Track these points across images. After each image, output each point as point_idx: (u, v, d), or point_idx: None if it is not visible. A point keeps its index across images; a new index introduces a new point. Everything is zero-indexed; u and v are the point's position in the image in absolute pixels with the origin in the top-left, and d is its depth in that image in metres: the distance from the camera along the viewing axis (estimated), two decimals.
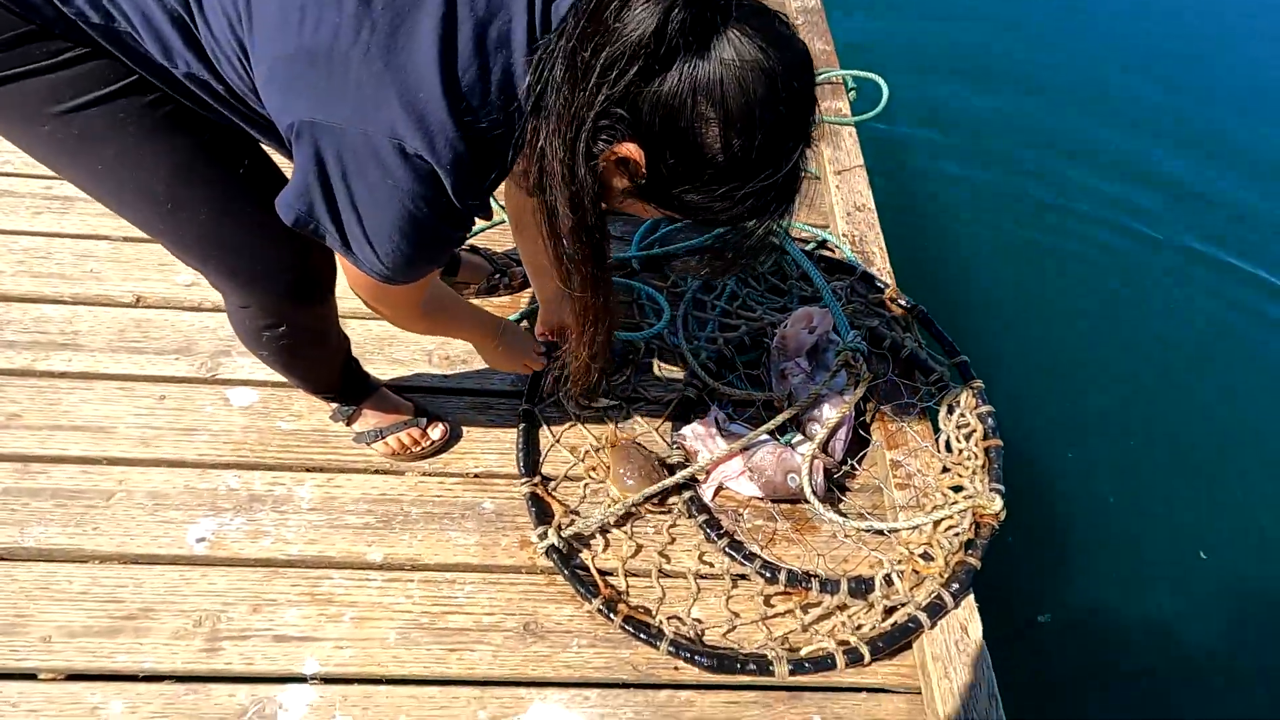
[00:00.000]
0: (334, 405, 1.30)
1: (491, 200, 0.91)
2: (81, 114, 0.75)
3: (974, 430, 1.41)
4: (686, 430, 1.40)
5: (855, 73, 2.12)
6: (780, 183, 0.69)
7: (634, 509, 1.31)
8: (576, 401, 1.41)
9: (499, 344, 1.24)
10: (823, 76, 2.08)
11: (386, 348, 1.50)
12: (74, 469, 1.28)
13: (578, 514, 1.31)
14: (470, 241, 1.68)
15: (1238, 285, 2.46)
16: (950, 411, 1.45)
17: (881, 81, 2.08)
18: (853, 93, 2.11)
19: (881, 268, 1.72)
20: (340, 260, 0.84)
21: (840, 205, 1.84)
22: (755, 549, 1.30)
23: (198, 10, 0.71)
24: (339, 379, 1.24)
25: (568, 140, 0.65)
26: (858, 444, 1.45)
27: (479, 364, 1.50)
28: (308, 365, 1.17)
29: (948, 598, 1.21)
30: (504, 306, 1.59)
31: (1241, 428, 2.12)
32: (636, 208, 0.75)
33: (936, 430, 1.46)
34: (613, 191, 0.73)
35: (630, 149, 0.66)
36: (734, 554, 1.27)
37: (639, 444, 1.37)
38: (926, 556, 1.27)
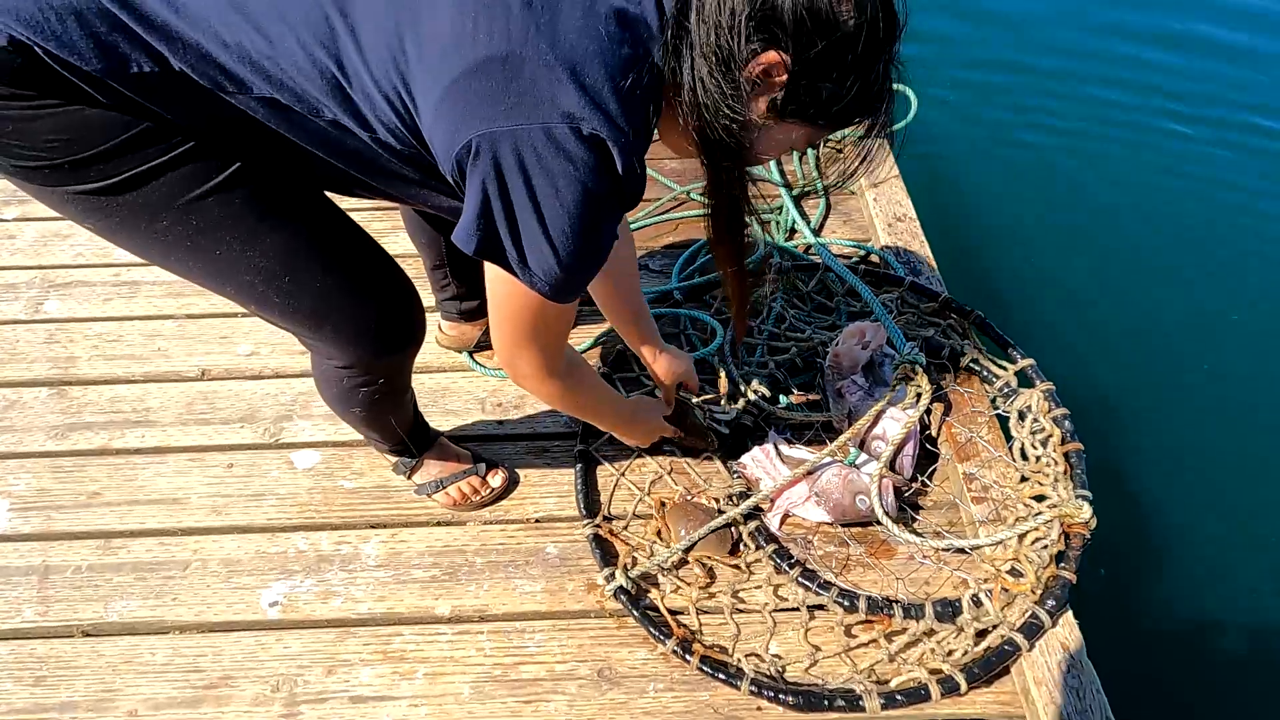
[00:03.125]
0: (396, 459, 1.32)
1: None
2: (199, 205, 0.78)
3: (1050, 435, 1.34)
4: (746, 458, 1.36)
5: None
6: (895, 50, 0.71)
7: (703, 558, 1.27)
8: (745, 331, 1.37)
9: (634, 416, 1.25)
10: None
11: (440, 399, 1.51)
12: (151, 541, 1.31)
13: (640, 552, 1.28)
14: None
15: None
16: (1022, 418, 1.38)
17: (910, 92, 2.06)
18: None
19: (931, 276, 1.67)
20: (498, 303, 0.85)
21: (880, 217, 1.81)
22: (830, 577, 1.25)
23: (356, 55, 0.72)
24: (410, 428, 1.26)
25: (717, 63, 0.67)
26: (926, 459, 1.40)
27: (531, 409, 1.50)
28: (391, 418, 1.19)
29: (1044, 616, 1.14)
30: None
31: None
32: (769, 141, 0.75)
33: (1009, 438, 1.39)
34: (752, 125, 0.73)
35: (771, 56, 0.67)
36: (808, 584, 1.22)
37: (692, 500, 1.34)
38: (1015, 573, 1.20)
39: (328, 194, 0.91)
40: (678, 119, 0.74)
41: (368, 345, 0.98)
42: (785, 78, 0.68)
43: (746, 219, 0.86)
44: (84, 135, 0.72)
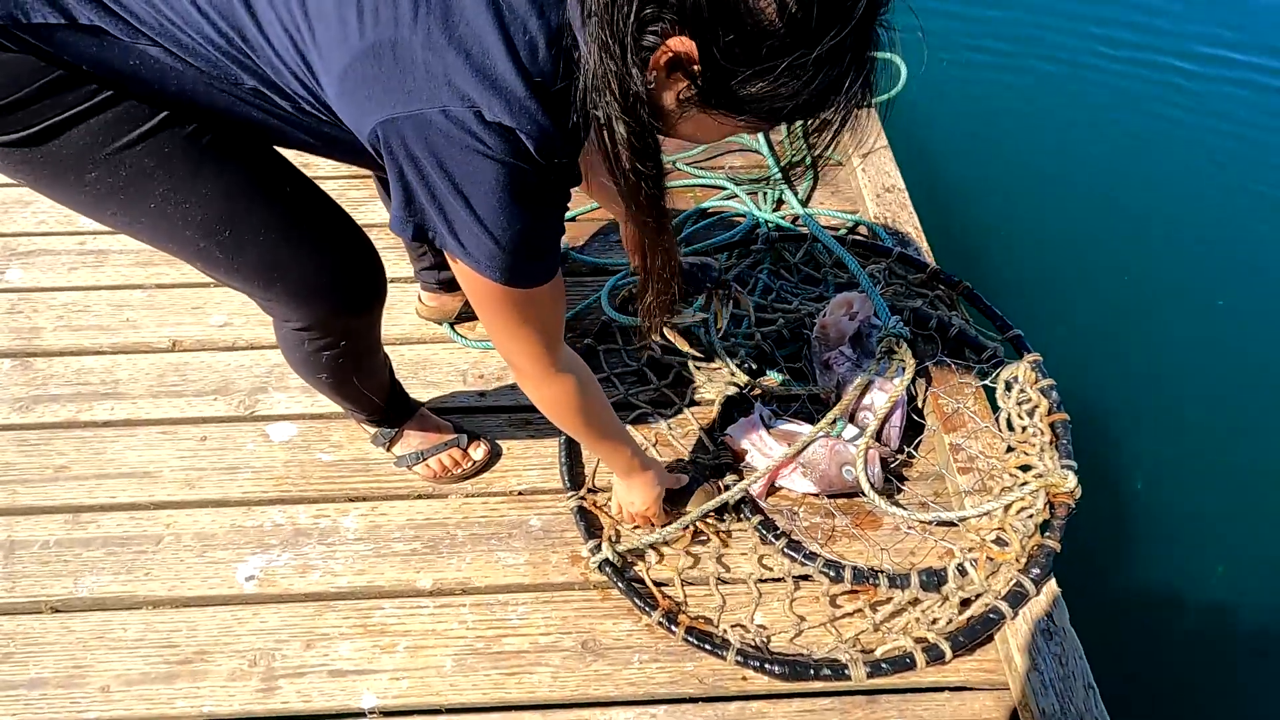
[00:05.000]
0: (375, 430, 1.29)
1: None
2: (127, 153, 0.74)
3: (1037, 405, 1.33)
4: (732, 430, 1.35)
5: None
6: (851, 44, 0.60)
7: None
8: (659, 331, 1.21)
9: (641, 467, 1.15)
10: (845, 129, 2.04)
11: (421, 371, 1.48)
12: (122, 516, 1.28)
13: (625, 524, 1.26)
14: None
15: None
16: (1008, 389, 1.38)
17: (899, 60, 2.03)
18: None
19: (919, 247, 1.66)
20: (467, 293, 0.81)
21: (868, 188, 1.78)
22: (815, 548, 1.24)
23: (256, 31, 0.70)
24: (387, 396, 1.23)
25: (615, 39, 0.60)
26: (913, 430, 1.39)
27: (513, 379, 1.47)
28: (362, 383, 1.15)
29: (1029, 584, 1.14)
30: None
31: None
32: (701, 126, 0.69)
33: (995, 409, 1.38)
34: (670, 112, 0.67)
35: (680, 42, 0.60)
36: (794, 554, 1.21)
37: (676, 469, 1.29)
38: (1000, 542, 1.20)
39: (279, 150, 0.87)
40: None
41: (323, 303, 0.94)
42: (699, 68, 0.62)
43: (665, 198, 0.77)
44: (4, 79, 0.68)
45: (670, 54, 0.61)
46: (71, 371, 1.46)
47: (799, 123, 0.68)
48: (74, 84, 0.71)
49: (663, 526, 1.22)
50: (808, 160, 0.75)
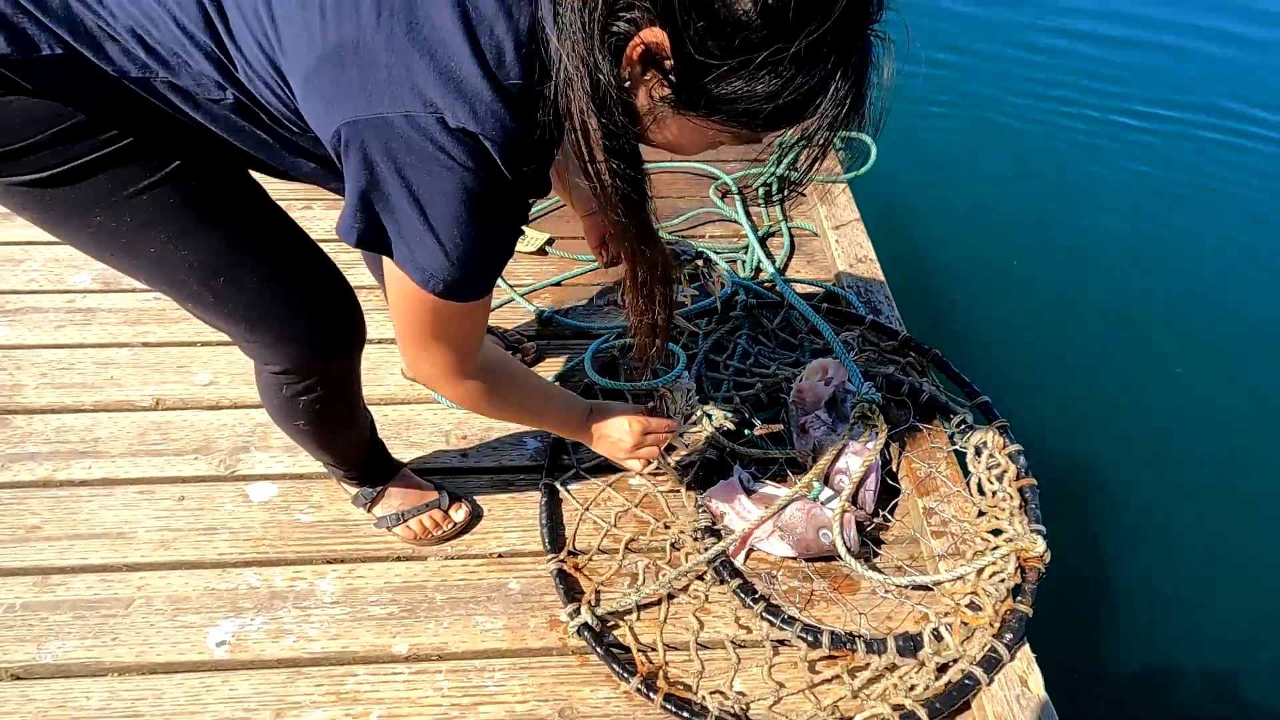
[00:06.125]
0: (356, 490, 1.29)
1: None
2: (133, 202, 0.77)
3: (1005, 470, 1.37)
4: (711, 493, 1.37)
5: (842, 133, 2.19)
6: (833, 42, 0.57)
7: (671, 583, 1.26)
8: (649, 368, 1.16)
9: (593, 426, 1.12)
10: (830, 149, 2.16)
11: (404, 431, 1.49)
12: (93, 578, 1.25)
13: (605, 587, 1.26)
14: None
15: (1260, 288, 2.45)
16: (978, 453, 1.42)
17: (869, 139, 2.15)
18: (842, 152, 2.18)
19: (891, 316, 1.73)
20: (395, 299, 0.79)
21: (842, 258, 1.86)
22: (794, 612, 1.25)
23: (229, 40, 0.69)
24: (367, 452, 1.23)
25: (585, 28, 0.58)
26: (888, 494, 1.42)
27: (497, 441, 1.49)
28: (339, 434, 1.16)
29: (1002, 650, 1.15)
30: None
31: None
32: (678, 131, 0.66)
33: (966, 474, 1.42)
34: (646, 113, 0.64)
35: (653, 33, 0.58)
36: (772, 619, 1.22)
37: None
38: (974, 607, 1.21)
39: (268, 192, 0.90)
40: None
41: (302, 346, 0.96)
42: (671, 62, 0.59)
43: (647, 203, 0.74)
44: (15, 126, 0.70)
45: (642, 46, 0.59)
46: (51, 429, 1.46)
47: (783, 133, 0.65)
48: (90, 131, 0.73)
49: (646, 584, 1.23)
50: (793, 176, 0.73)
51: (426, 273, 0.73)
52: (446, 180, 0.66)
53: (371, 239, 0.72)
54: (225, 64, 0.71)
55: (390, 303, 0.82)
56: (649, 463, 1.18)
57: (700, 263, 1.31)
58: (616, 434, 1.13)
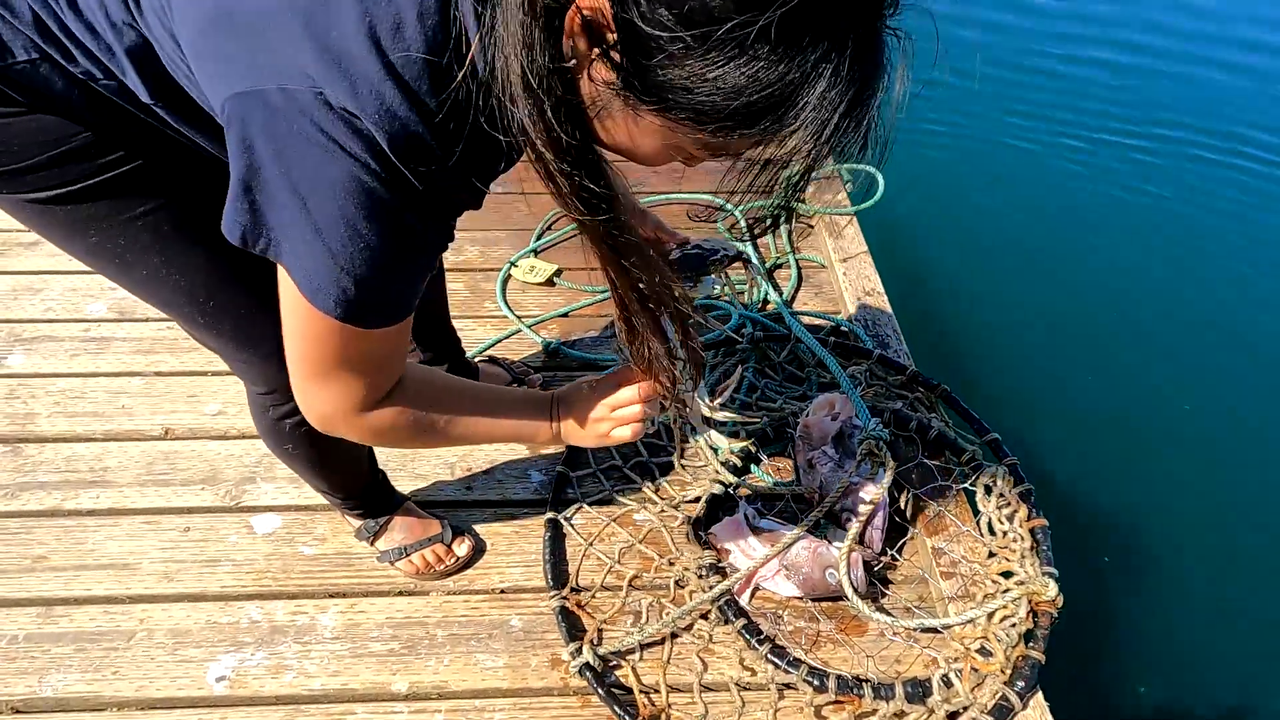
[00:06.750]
0: (360, 523, 1.29)
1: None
2: (126, 227, 0.78)
3: (1016, 510, 1.35)
4: (717, 529, 1.35)
5: (850, 166, 2.21)
6: (818, 25, 0.44)
7: (674, 622, 1.24)
8: (681, 409, 0.97)
9: (562, 422, 0.92)
10: (817, 173, 2.17)
11: (409, 463, 1.49)
12: (96, 610, 1.25)
13: (608, 625, 1.25)
14: (489, 352, 1.71)
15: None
16: (988, 492, 1.40)
17: (876, 172, 2.16)
18: (849, 184, 2.19)
19: (899, 349, 1.72)
20: (285, 314, 0.68)
21: (849, 291, 1.86)
22: (800, 654, 1.23)
23: (141, 20, 0.63)
24: (364, 483, 1.23)
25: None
26: (896, 532, 1.40)
27: (501, 474, 1.49)
28: (329, 459, 1.14)
29: (1014, 698, 1.12)
30: None
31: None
32: (631, 130, 0.54)
33: (976, 513, 1.40)
34: (591, 103, 0.53)
35: (592, 1, 0.47)
36: (777, 661, 1.19)
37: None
38: (984, 652, 1.18)
39: None
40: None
41: (284, 364, 0.96)
42: (614, 36, 0.48)
43: (617, 205, 0.61)
44: (14, 148, 0.71)
45: (579, 15, 0.47)
46: (61, 458, 1.47)
47: (760, 147, 0.53)
48: (81, 156, 0.72)
49: (649, 624, 1.21)
50: (772, 204, 0.57)
51: (314, 283, 0.62)
52: (330, 168, 0.56)
53: (256, 237, 0.61)
54: (148, 53, 0.64)
55: (283, 320, 0.70)
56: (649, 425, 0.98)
57: (742, 265, 1.16)
58: (587, 425, 0.92)
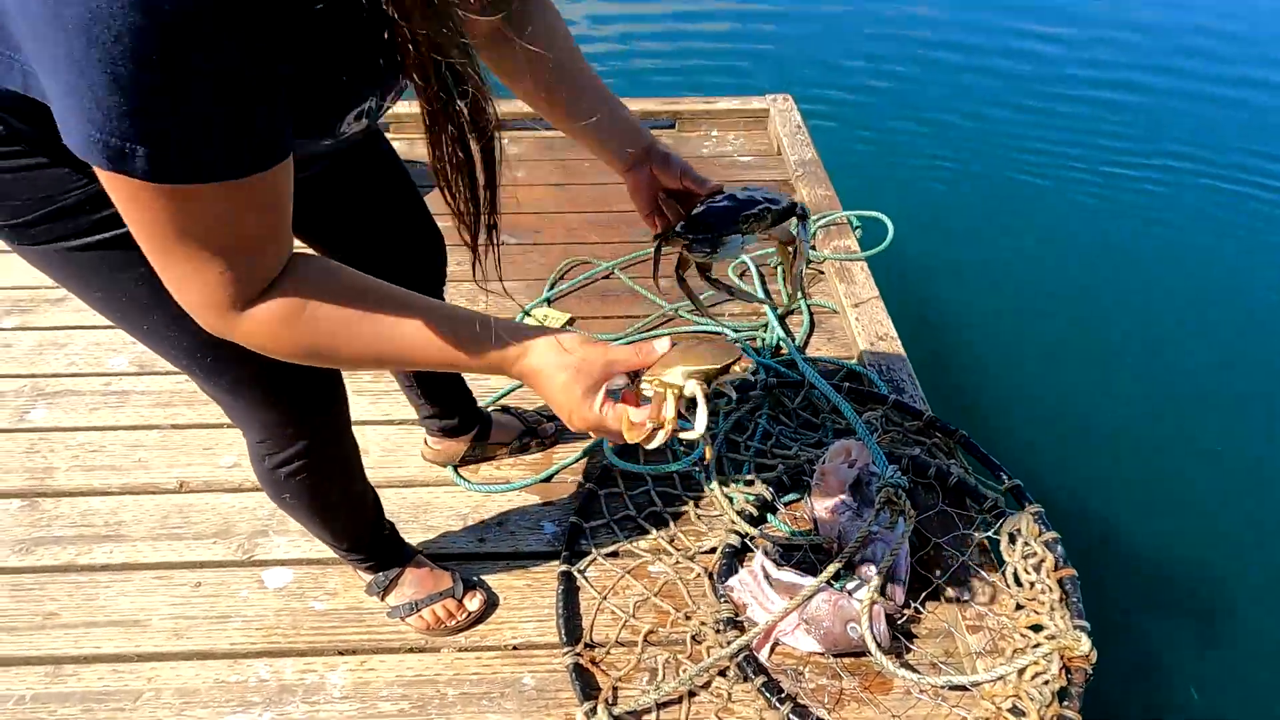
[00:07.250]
0: (371, 577, 1.27)
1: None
2: (125, 285, 0.79)
3: (1043, 560, 1.31)
4: (733, 581, 1.32)
5: (859, 212, 2.23)
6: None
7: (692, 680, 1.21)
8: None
9: (527, 374, 0.73)
10: (828, 218, 2.20)
11: (422, 515, 1.48)
12: (105, 668, 1.24)
13: (623, 684, 1.21)
14: (502, 401, 1.71)
15: None
16: (1012, 541, 1.36)
17: (885, 218, 2.18)
18: (859, 230, 2.20)
19: (914, 394, 1.70)
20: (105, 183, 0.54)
21: (862, 336, 1.86)
22: (822, 714, 1.18)
23: None
24: (368, 536, 1.21)
25: None
26: (919, 584, 1.35)
27: (515, 525, 1.47)
28: (329, 509, 1.13)
29: None
30: (536, 463, 1.58)
31: None
32: None
33: (1001, 562, 1.36)
34: None
35: None
36: None
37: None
38: (1016, 711, 1.13)
39: None
40: None
41: (280, 411, 0.96)
42: None
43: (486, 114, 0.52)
44: (20, 200, 0.72)
45: None
46: (77, 513, 1.47)
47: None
48: (76, 211, 0.73)
49: (666, 681, 1.17)
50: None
51: (77, 118, 0.48)
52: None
53: (27, 89, 0.52)
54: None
55: None
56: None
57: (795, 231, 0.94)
58: (562, 409, 0.75)
